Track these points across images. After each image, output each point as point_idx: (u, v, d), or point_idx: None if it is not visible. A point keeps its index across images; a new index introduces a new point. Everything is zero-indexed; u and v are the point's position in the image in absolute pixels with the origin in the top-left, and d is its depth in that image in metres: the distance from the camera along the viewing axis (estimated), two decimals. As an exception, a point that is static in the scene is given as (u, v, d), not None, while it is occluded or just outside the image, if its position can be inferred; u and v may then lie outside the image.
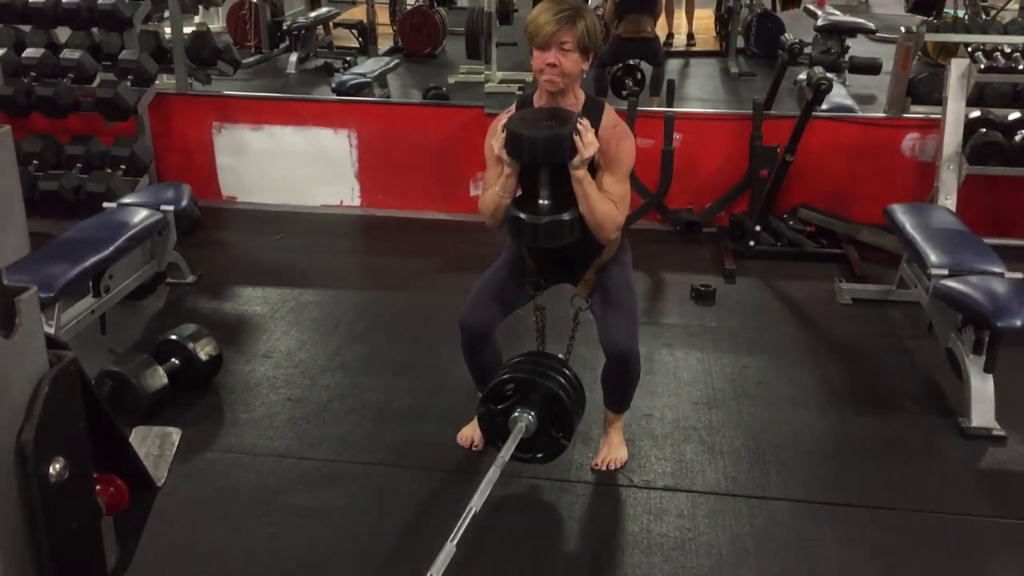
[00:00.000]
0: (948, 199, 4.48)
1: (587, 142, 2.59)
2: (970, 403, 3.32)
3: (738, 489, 3.01)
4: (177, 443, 1.06)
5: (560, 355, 2.90)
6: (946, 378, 3.60)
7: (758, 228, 4.85)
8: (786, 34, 5.96)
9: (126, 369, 3.28)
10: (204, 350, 3.53)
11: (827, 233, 5.02)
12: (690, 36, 10.05)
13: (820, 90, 4.58)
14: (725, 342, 3.99)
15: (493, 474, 2.54)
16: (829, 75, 4.82)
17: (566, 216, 2.66)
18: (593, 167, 2.68)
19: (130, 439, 1.02)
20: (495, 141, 2.70)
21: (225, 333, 3.95)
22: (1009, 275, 3.49)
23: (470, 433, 3.22)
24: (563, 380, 2.72)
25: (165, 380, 3.36)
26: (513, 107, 2.86)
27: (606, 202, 2.68)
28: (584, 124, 2.60)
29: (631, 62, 6.86)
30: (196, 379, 3.52)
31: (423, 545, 2.60)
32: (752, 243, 4.85)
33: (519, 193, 2.78)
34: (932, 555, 2.74)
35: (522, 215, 2.69)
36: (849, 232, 4.97)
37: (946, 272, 3.50)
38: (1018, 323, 3.15)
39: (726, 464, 3.14)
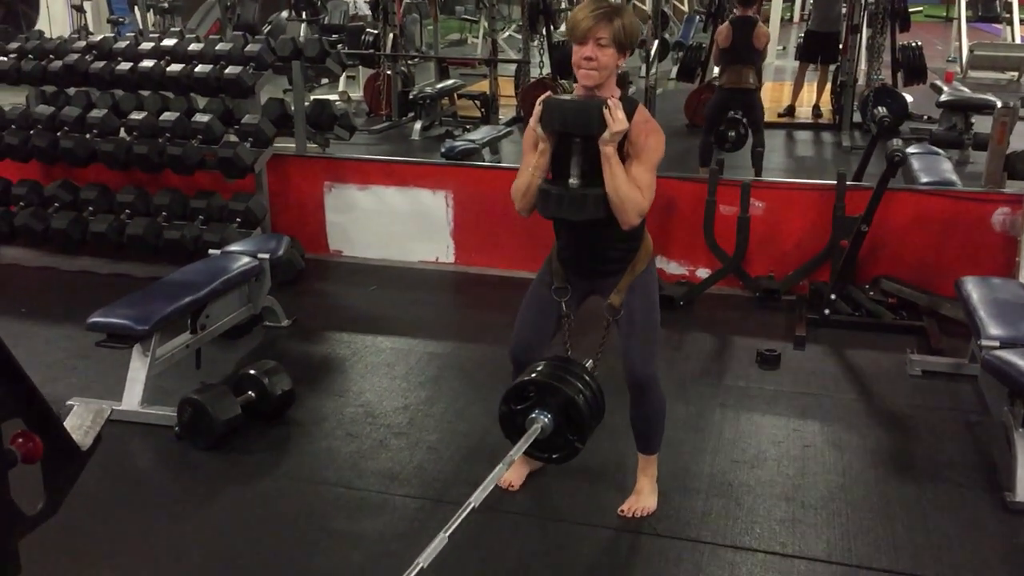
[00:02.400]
0: (1029, 274, 4.39)
1: (616, 118, 2.73)
2: (1016, 477, 3.26)
3: (760, 545, 3.06)
4: (107, 417, 1.30)
5: (589, 361, 3.03)
6: (1002, 455, 3.53)
7: (833, 296, 4.85)
8: (879, 107, 5.98)
9: (203, 398, 3.62)
10: (278, 385, 3.85)
11: (909, 306, 4.97)
12: (816, 107, 10.08)
13: (893, 162, 4.60)
14: (780, 406, 4.03)
15: (498, 471, 2.66)
16: (904, 147, 4.82)
17: (591, 191, 2.81)
18: (623, 156, 2.81)
19: (71, 412, 1.27)
20: (533, 119, 2.85)
21: (306, 372, 4.28)
22: (1063, 350, 3.42)
23: (511, 478, 3.38)
24: (581, 386, 2.79)
25: (238, 410, 3.68)
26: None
27: (631, 185, 2.80)
28: (614, 102, 2.76)
29: (734, 115, 7.00)
30: (269, 411, 3.84)
31: (439, 570, 2.77)
32: (827, 312, 4.85)
33: (551, 177, 2.93)
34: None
35: (550, 188, 2.87)
36: (931, 305, 4.91)
37: (997, 344, 3.47)
38: (1061, 397, 3.09)
39: (752, 520, 3.19)
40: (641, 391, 3.04)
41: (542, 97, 2.85)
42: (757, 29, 6.91)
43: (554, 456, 2.86)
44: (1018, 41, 14.38)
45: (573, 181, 2.84)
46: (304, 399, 4.03)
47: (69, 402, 3.82)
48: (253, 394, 3.81)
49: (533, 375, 2.84)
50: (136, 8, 11.29)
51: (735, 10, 7.25)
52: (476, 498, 2.52)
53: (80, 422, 1.28)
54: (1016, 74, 13.49)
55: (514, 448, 2.73)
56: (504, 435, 2.90)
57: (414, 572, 2.26)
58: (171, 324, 4.01)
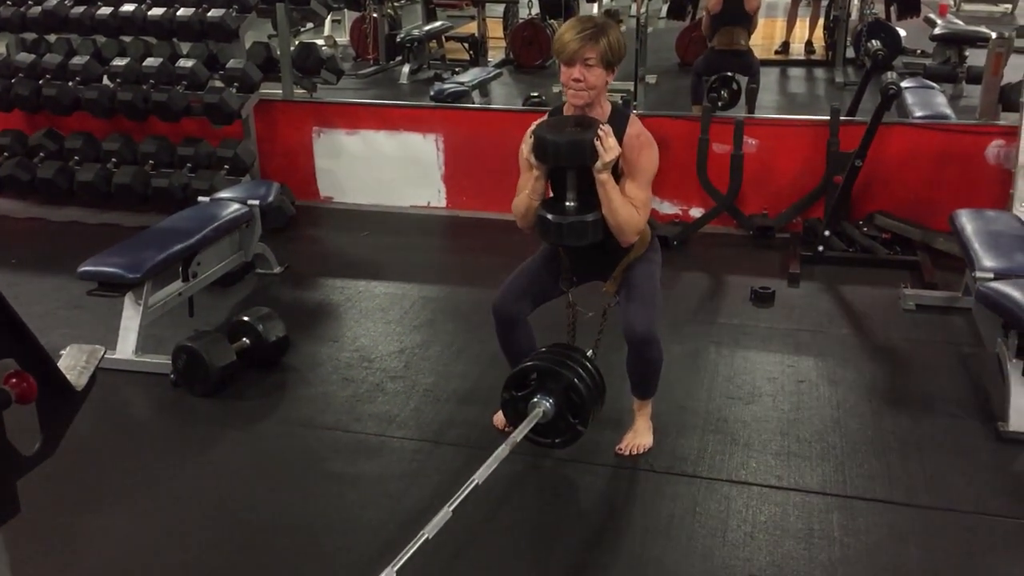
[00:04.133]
0: (1023, 207, 4.38)
1: (608, 147, 2.75)
2: (1009, 407, 3.28)
3: (755, 479, 3.08)
4: (101, 357, 1.29)
5: (589, 350, 3.07)
6: (995, 385, 3.55)
7: (827, 233, 4.84)
8: (873, 41, 5.89)
9: (198, 345, 3.61)
10: (273, 332, 3.84)
11: (903, 241, 4.96)
12: (809, 44, 9.96)
13: (888, 95, 4.55)
14: (775, 343, 4.04)
15: (502, 451, 2.71)
16: (898, 81, 4.76)
17: (589, 217, 2.84)
18: (618, 173, 2.85)
19: (64, 353, 1.26)
20: (525, 147, 2.89)
21: (300, 319, 4.27)
22: (1058, 280, 3.42)
23: (503, 418, 3.40)
24: (582, 371, 2.88)
25: (233, 357, 3.67)
26: (546, 116, 3.04)
27: (628, 206, 2.83)
28: (605, 130, 2.76)
29: (726, 74, 6.89)
30: (264, 357, 3.83)
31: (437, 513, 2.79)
32: (821, 248, 4.84)
33: (549, 196, 2.98)
34: (951, 550, 2.73)
35: (549, 215, 2.89)
36: (925, 239, 4.91)
37: (991, 276, 3.46)
38: (1055, 327, 3.10)
39: (747, 455, 3.21)
40: (639, 348, 3.01)
41: (532, 127, 2.86)
42: None
43: (556, 440, 2.91)
44: (1013, -28, 14.20)
45: (570, 204, 2.87)
46: (299, 345, 4.02)
47: (63, 351, 3.81)
48: (248, 341, 3.80)
49: (535, 361, 2.89)
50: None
51: None
52: (480, 475, 2.57)
53: (74, 362, 1.27)
54: (1009, 6, 13.33)
55: (516, 430, 2.76)
56: (507, 421, 2.93)
57: (418, 543, 2.30)
58: (163, 272, 3.99)
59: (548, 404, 2.84)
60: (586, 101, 2.82)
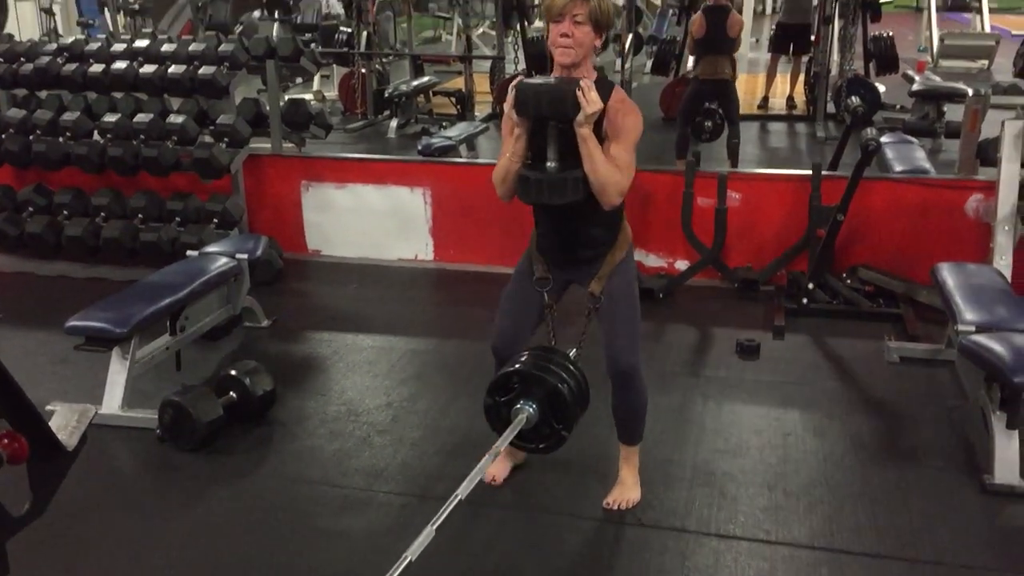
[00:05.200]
0: (1003, 260, 4.45)
1: (590, 99, 2.73)
2: (993, 459, 3.30)
3: (745, 533, 3.08)
4: (92, 417, 1.30)
5: (572, 349, 3.00)
6: (980, 437, 3.57)
7: (811, 286, 4.89)
8: (852, 97, 6.02)
9: (185, 400, 3.61)
10: (260, 385, 3.84)
11: (886, 293, 5.02)
12: (790, 99, 10.13)
13: (868, 151, 4.64)
14: (761, 396, 4.06)
15: (485, 462, 2.66)
16: (878, 137, 4.86)
17: (570, 175, 2.81)
18: (601, 137, 2.82)
19: (55, 413, 1.27)
20: (507, 104, 2.85)
21: (287, 372, 4.27)
22: (1037, 332, 3.47)
23: (494, 471, 3.39)
24: (565, 375, 2.78)
25: (220, 411, 3.66)
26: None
27: (610, 165, 2.80)
28: (587, 83, 2.75)
29: (710, 106, 7.04)
30: (251, 411, 3.82)
31: (426, 564, 2.77)
32: (805, 301, 4.89)
33: (530, 161, 2.92)
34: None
35: (528, 173, 2.87)
36: (907, 292, 4.96)
37: (973, 329, 3.51)
38: (1035, 379, 3.14)
39: (736, 509, 3.21)
40: (623, 381, 3.05)
41: (515, 82, 2.85)
42: (731, 17, 6.93)
43: (540, 446, 2.85)
44: (987, 30, 14.52)
45: (551, 164, 2.83)
46: (286, 399, 4.02)
47: (49, 407, 3.78)
48: (235, 395, 3.80)
49: (517, 365, 2.82)
50: (106, 10, 11.18)
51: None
52: (463, 490, 2.52)
53: (65, 422, 1.28)
54: (986, 62, 13.61)
55: (500, 439, 2.72)
56: (490, 427, 2.89)
57: (402, 566, 2.26)
58: (150, 326, 3.99)
59: (531, 410, 2.74)
60: (573, 60, 2.79)
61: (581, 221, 2.95)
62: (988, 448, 3.36)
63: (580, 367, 2.87)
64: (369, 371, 4.35)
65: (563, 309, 3.20)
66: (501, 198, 3.02)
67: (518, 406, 2.78)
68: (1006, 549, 3.01)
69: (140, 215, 5.59)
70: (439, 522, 2.39)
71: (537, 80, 2.86)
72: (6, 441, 1.16)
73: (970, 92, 6.43)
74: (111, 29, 10.63)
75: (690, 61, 9.90)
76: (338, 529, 3.15)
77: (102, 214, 5.62)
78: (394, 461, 3.56)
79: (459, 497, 2.50)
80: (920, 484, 3.36)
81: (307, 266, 5.87)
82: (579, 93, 2.73)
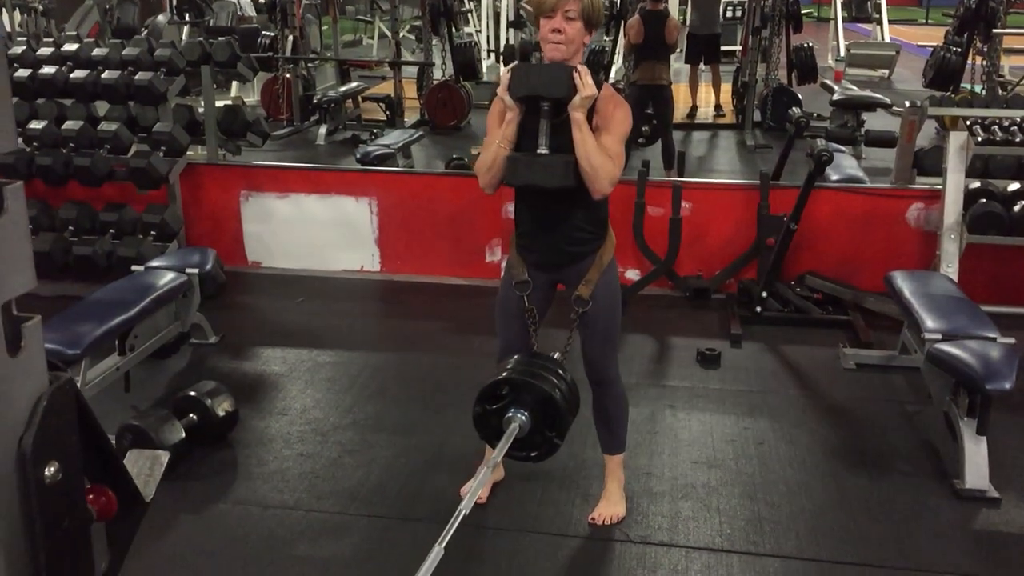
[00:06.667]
0: (950, 267, 4.58)
1: (586, 83, 2.71)
2: (964, 465, 3.38)
3: (732, 545, 3.08)
4: (166, 465, 1.20)
5: (556, 353, 2.92)
6: (944, 442, 3.66)
7: (764, 295, 4.96)
8: (794, 108, 6.15)
9: (145, 424, 3.43)
10: (221, 406, 3.68)
11: (834, 301, 5.12)
12: (718, 107, 10.32)
13: (821, 161, 4.73)
14: (728, 404, 4.09)
15: (484, 475, 2.59)
16: (831, 147, 4.97)
17: (562, 157, 2.77)
18: (592, 128, 2.78)
19: (125, 460, 1.16)
20: (500, 88, 2.82)
21: (244, 391, 4.11)
22: (1001, 340, 3.57)
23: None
24: (556, 380, 2.72)
25: (182, 434, 3.49)
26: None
27: (602, 152, 2.76)
28: (583, 68, 2.74)
29: (646, 111, 7.11)
30: (213, 434, 3.67)
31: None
32: (759, 309, 4.96)
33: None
34: (920, 612, 2.79)
35: (519, 155, 2.82)
36: (855, 299, 5.07)
37: (940, 336, 3.59)
38: (1007, 386, 3.22)
39: (721, 521, 3.21)
40: (604, 388, 3.06)
41: (511, 65, 2.81)
42: (669, 22, 7.00)
43: (532, 454, 2.78)
44: (887, 40, 15.07)
45: (542, 150, 2.79)
46: (246, 420, 3.87)
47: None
48: (195, 416, 3.64)
49: (505, 372, 2.74)
50: (3, 9, 10.67)
51: (645, 3, 7.29)
52: (465, 505, 2.44)
53: (138, 471, 1.17)
54: (887, 71, 14.13)
55: (496, 450, 2.66)
56: (480, 436, 2.80)
57: None
58: (101, 346, 3.79)
59: (523, 418, 2.65)
60: (563, 56, 2.76)
61: (568, 214, 2.89)
62: (957, 453, 3.45)
63: (569, 372, 2.81)
64: (330, 388, 4.23)
65: (552, 312, 3.14)
66: (484, 188, 2.95)
67: (509, 414, 2.70)
68: (985, 555, 3.08)
69: (71, 227, 5.33)
70: (446, 541, 2.31)
71: (532, 63, 2.81)
72: (92, 496, 1.05)
73: (907, 103, 6.66)
74: (8, 30, 10.12)
75: (614, 69, 10.04)
76: (318, 557, 3.03)
77: (30, 226, 5.31)
78: (368, 482, 3.46)
79: (464, 512, 2.42)
80: (893, 490, 3.42)
81: (248, 279, 5.69)
82: (576, 76, 2.71)
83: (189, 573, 2.94)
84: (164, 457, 1.16)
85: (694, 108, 10.26)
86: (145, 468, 1.15)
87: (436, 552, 2.30)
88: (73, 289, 4.91)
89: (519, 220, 3.04)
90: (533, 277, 3.03)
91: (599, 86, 2.83)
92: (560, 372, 2.78)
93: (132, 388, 4.07)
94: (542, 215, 2.94)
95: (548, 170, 2.78)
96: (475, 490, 2.52)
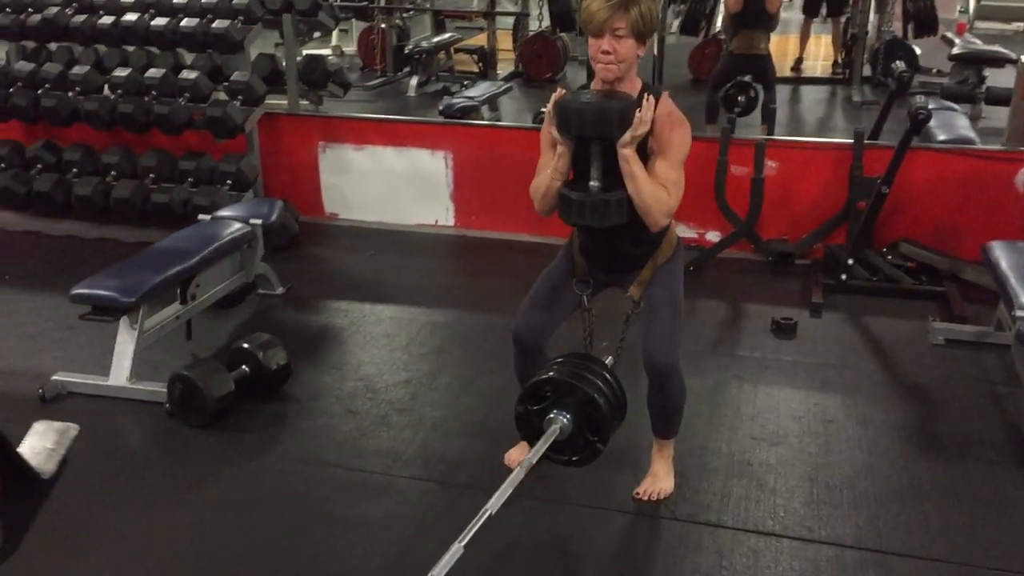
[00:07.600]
0: (1057, 238, 4.20)
1: (643, 119, 2.57)
2: (1052, 455, 3.10)
3: (784, 530, 2.90)
4: (74, 438, 1.11)
5: (608, 357, 2.86)
6: (1035, 428, 3.38)
7: (851, 262, 4.66)
8: (897, 62, 5.73)
9: (195, 374, 3.43)
10: (274, 359, 3.66)
11: (929, 270, 4.78)
12: (835, 63, 9.78)
13: (918, 120, 4.38)
14: (799, 378, 3.86)
15: (517, 475, 2.51)
16: (943, 104, 4.59)
17: (613, 196, 2.65)
18: (646, 154, 2.66)
19: (29, 433, 1.08)
20: (548, 121, 2.70)
21: (301, 344, 4.09)
22: (1103, 321, 3.24)
23: (517, 456, 3.20)
24: (601, 384, 2.65)
25: (232, 387, 3.49)
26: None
27: (654, 185, 2.63)
28: (648, 103, 2.59)
29: (744, 79, 6.73)
30: (264, 387, 3.65)
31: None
32: (844, 277, 4.66)
33: (571, 179, 2.77)
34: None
35: (571, 194, 2.70)
36: (952, 269, 4.72)
37: (1033, 314, 3.29)
38: (1103, 372, 2.92)
39: (775, 502, 3.03)
40: (661, 380, 2.86)
41: (556, 97, 2.67)
42: None
43: (573, 458, 2.68)
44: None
45: (594, 184, 2.66)
46: (300, 373, 3.84)
47: (55, 376, 3.62)
48: (247, 369, 3.63)
49: (550, 373, 2.67)
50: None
51: None
52: (493, 505, 2.37)
53: (41, 444, 1.09)
54: (1022, 24, 13.17)
55: (532, 451, 2.56)
56: (520, 436, 2.73)
57: None
58: (160, 295, 3.81)
59: (565, 420, 2.60)
60: (616, 75, 2.62)
61: (625, 238, 2.79)
62: (1045, 443, 3.16)
63: (617, 376, 2.72)
64: (387, 344, 4.17)
65: (599, 308, 3.00)
66: (539, 213, 2.86)
67: (551, 416, 2.63)
68: (1067, 554, 2.81)
69: (152, 175, 5.40)
70: (467, 539, 2.23)
71: (579, 97, 2.65)
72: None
73: (1022, 58, 6.13)
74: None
75: (718, 22, 9.61)
76: (355, 517, 2.98)
77: (112, 173, 5.42)
78: (413, 443, 3.38)
79: (489, 513, 2.34)
80: (972, 479, 3.16)
81: (324, 230, 5.67)
82: (638, 113, 2.56)
83: (222, 525, 2.93)
84: (72, 431, 1.07)
85: (800, 61, 9.75)
86: (49, 442, 1.06)
87: (455, 549, 2.24)
88: (154, 236, 4.94)
89: (578, 231, 2.94)
90: (592, 276, 2.94)
91: (657, 96, 2.65)
92: (607, 375, 2.70)
93: (195, 337, 4.09)
94: (599, 239, 2.85)
95: (598, 211, 2.66)
96: (504, 490, 2.48)
